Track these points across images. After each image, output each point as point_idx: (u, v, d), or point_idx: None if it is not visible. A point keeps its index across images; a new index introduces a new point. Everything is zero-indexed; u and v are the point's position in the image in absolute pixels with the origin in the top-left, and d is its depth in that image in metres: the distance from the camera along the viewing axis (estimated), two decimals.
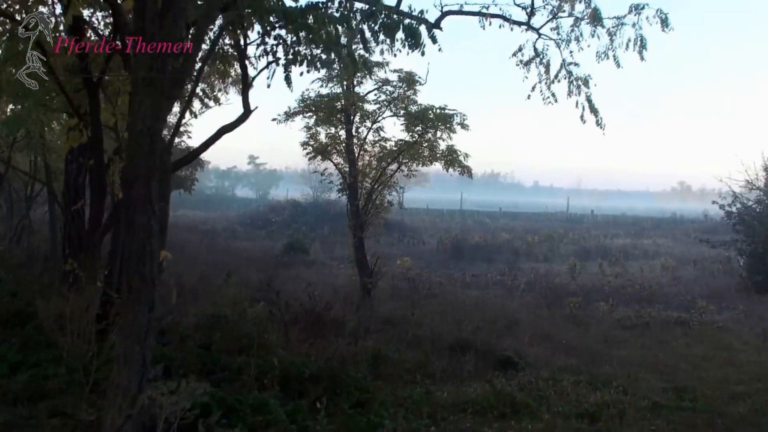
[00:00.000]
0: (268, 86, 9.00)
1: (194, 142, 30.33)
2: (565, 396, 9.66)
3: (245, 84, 9.10)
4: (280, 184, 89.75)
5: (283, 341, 10.56)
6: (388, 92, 17.94)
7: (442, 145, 17.94)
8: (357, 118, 18.43)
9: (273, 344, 10.36)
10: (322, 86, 18.23)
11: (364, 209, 18.56)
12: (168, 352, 9.17)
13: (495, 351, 12.45)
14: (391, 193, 19.18)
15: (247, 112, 9.19)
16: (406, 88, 17.73)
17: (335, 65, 9.59)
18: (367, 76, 17.59)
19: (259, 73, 9.58)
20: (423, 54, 8.93)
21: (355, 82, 17.87)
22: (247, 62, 9.40)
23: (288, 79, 8.83)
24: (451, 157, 17.80)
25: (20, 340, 9.56)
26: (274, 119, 18.66)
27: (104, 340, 9.16)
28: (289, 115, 18.52)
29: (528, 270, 28.49)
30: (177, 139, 31.50)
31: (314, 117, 18.50)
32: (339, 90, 18.10)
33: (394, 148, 18.45)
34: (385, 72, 17.75)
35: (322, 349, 10.34)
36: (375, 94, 18.15)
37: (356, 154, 18.60)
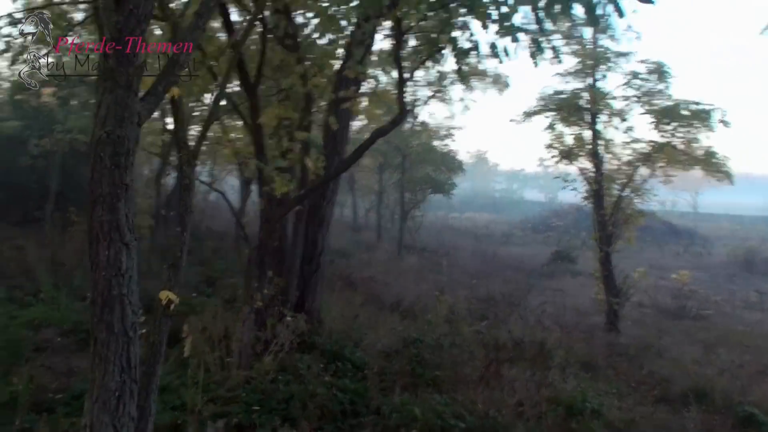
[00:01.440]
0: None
1: (455, 145, 29.86)
2: None
3: (401, 82, 7.95)
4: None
5: (454, 378, 9.10)
6: (636, 86, 15.52)
7: (698, 146, 14.99)
8: (603, 117, 16.26)
9: (445, 381, 9.06)
10: (560, 82, 16.49)
11: (610, 219, 16.31)
12: (312, 387, 8.13)
13: (738, 403, 9.83)
14: (643, 201, 16.59)
15: (403, 113, 8.06)
16: (656, 81, 15.18)
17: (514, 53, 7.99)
18: (612, 69, 15.56)
19: (417, 67, 8.50)
20: (605, 32, 7.08)
21: (598, 77, 15.83)
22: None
23: (461, 73, 7.52)
24: (707, 160, 14.83)
25: (177, 360, 9.31)
26: (511, 120, 17.36)
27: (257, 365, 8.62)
28: (528, 115, 16.99)
29: None
30: (438, 143, 31.40)
31: (554, 116, 16.68)
32: (581, 85, 16.16)
33: (645, 150, 15.91)
34: (628, 62, 15.50)
35: (498, 392, 8.66)
36: (622, 89, 15.86)
37: (602, 157, 16.43)
